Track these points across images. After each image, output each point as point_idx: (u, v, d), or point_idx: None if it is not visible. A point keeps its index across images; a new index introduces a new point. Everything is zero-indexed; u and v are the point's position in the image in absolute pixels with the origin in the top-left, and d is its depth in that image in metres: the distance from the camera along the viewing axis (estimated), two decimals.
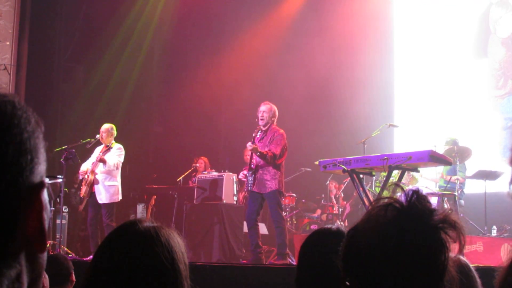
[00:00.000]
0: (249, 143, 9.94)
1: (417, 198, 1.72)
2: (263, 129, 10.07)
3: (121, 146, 11.21)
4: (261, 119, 10.03)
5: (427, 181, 12.68)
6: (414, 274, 1.67)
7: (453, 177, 11.87)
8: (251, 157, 10.01)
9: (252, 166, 9.99)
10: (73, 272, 5.24)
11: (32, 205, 1.15)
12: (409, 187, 10.86)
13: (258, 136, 10.07)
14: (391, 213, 1.71)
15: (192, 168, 13.46)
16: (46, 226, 1.18)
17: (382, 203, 1.75)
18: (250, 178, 9.98)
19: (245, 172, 10.30)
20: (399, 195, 1.75)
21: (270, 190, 9.83)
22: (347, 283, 1.75)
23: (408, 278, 1.67)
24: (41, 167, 1.17)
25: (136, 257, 1.79)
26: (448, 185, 11.98)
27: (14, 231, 1.12)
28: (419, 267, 1.67)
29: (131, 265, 1.78)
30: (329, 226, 2.95)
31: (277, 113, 10.14)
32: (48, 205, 1.19)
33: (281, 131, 10.03)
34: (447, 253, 1.69)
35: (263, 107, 10.10)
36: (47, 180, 1.20)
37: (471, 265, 2.65)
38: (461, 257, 1.74)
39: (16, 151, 1.12)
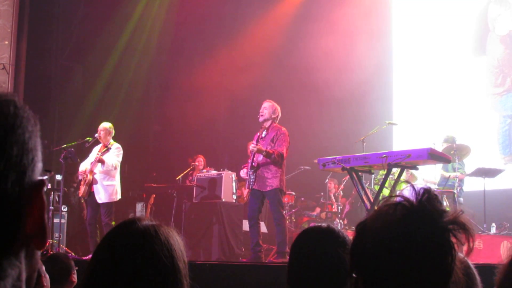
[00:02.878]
0: (252, 145, 9.94)
1: (428, 198, 1.70)
2: (265, 125, 10.06)
3: (119, 146, 11.20)
4: (261, 115, 10.02)
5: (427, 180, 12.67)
6: (420, 274, 1.66)
7: (452, 174, 11.87)
8: (253, 155, 10.00)
9: (253, 164, 9.97)
10: (74, 272, 5.23)
11: (33, 203, 1.17)
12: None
13: (263, 135, 10.06)
14: (400, 212, 1.70)
15: (191, 167, 13.46)
16: (47, 222, 1.19)
17: (392, 201, 1.74)
18: (252, 176, 9.97)
19: (245, 170, 10.28)
20: (409, 193, 1.74)
21: (271, 188, 9.81)
22: (353, 275, 1.74)
23: (413, 279, 1.66)
24: (40, 165, 1.19)
25: (135, 256, 1.79)
26: (448, 183, 11.99)
27: (19, 229, 1.14)
28: (425, 268, 1.66)
29: (130, 263, 1.78)
30: (320, 224, 2.94)
31: (279, 112, 10.10)
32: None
33: (284, 129, 10.01)
34: (454, 255, 1.68)
35: (265, 104, 10.09)
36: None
37: (470, 263, 2.65)
38: (459, 254, 1.73)
39: (20, 151, 1.14)
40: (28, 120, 1.18)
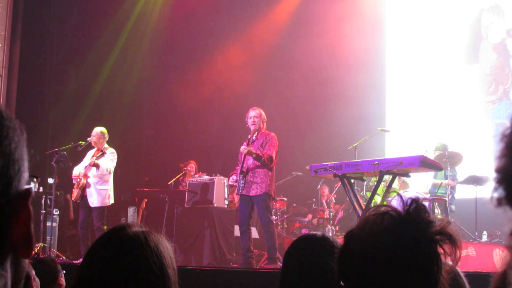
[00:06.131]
0: (243, 146, 9.97)
1: (416, 208, 1.71)
2: (255, 130, 10.12)
3: (114, 151, 11.21)
4: (253, 124, 10.07)
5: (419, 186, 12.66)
6: (405, 285, 1.66)
7: (444, 181, 11.87)
8: (243, 160, 10.02)
9: (243, 169, 10.00)
10: (61, 276, 5.22)
11: (20, 212, 1.16)
12: (400, 192, 10.87)
13: (253, 137, 10.10)
14: (387, 221, 1.70)
15: (183, 172, 13.46)
16: (33, 231, 1.19)
17: (379, 211, 1.74)
18: (241, 181, 9.99)
19: (234, 177, 10.31)
20: (397, 203, 1.74)
21: (260, 193, 9.84)
22: (341, 283, 1.74)
23: None
24: (26, 174, 1.19)
25: (125, 262, 1.79)
26: (439, 191, 11.98)
27: (5, 239, 1.13)
28: (410, 278, 1.66)
29: (120, 270, 1.78)
30: (315, 232, 2.93)
31: (265, 117, 10.22)
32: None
33: (272, 134, 10.09)
34: (440, 265, 1.68)
35: (252, 113, 10.17)
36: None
37: (460, 271, 2.65)
38: (448, 262, 1.73)
39: (6, 162, 1.13)
40: (15, 130, 1.17)
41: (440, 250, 1.69)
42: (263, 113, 10.22)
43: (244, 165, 10.01)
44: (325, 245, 2.73)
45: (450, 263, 1.74)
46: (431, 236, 1.68)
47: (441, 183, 11.94)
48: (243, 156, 10.05)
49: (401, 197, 1.75)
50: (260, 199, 9.90)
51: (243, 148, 9.95)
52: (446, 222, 1.70)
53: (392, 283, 1.66)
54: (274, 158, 9.91)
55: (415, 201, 1.71)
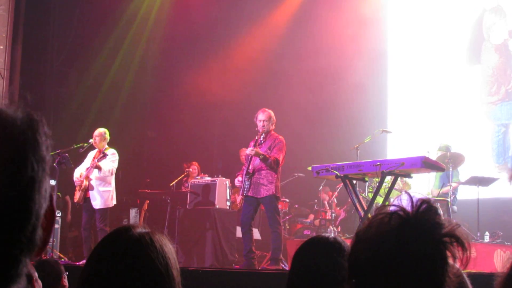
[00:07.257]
0: (250, 148, 9.93)
1: (426, 209, 1.69)
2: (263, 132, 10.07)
3: (115, 152, 11.20)
4: (262, 128, 9.99)
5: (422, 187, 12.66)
6: (410, 286, 1.65)
7: (442, 190, 11.86)
8: (249, 162, 9.99)
9: (249, 170, 9.96)
10: (65, 277, 5.22)
11: (46, 214, 1.16)
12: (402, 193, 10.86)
13: (261, 138, 10.05)
14: (394, 221, 1.68)
15: (185, 173, 13.46)
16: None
17: (388, 210, 1.72)
18: (247, 183, 9.95)
19: (240, 178, 10.27)
20: (406, 202, 1.72)
21: (267, 195, 9.81)
22: (353, 280, 1.73)
23: None
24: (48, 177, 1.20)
25: (131, 263, 1.78)
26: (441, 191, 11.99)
27: (36, 241, 1.14)
28: (415, 279, 1.64)
29: (127, 271, 1.77)
30: (326, 235, 2.90)
31: (274, 118, 10.12)
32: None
33: (281, 137, 10.02)
34: (446, 269, 1.67)
35: (261, 116, 10.05)
36: None
37: (462, 271, 2.64)
38: (454, 265, 1.71)
39: (39, 167, 1.14)
40: (46, 135, 1.18)
41: (448, 253, 1.67)
42: (272, 114, 10.11)
43: (250, 166, 9.98)
44: (337, 248, 2.72)
45: (457, 266, 1.72)
46: (438, 238, 1.66)
47: (439, 192, 11.92)
48: (249, 157, 10.01)
49: (410, 196, 1.73)
50: (268, 201, 9.89)
51: (250, 150, 9.90)
52: (456, 224, 1.68)
53: (397, 283, 1.65)
54: (280, 162, 9.89)
55: (426, 202, 1.69)
